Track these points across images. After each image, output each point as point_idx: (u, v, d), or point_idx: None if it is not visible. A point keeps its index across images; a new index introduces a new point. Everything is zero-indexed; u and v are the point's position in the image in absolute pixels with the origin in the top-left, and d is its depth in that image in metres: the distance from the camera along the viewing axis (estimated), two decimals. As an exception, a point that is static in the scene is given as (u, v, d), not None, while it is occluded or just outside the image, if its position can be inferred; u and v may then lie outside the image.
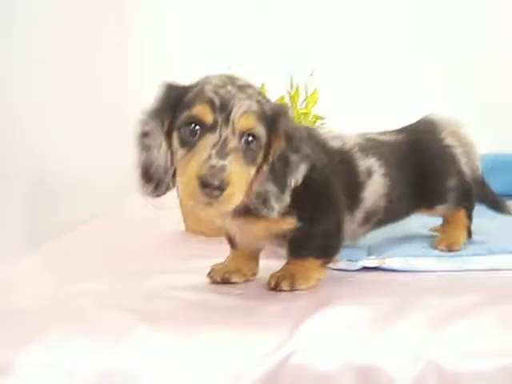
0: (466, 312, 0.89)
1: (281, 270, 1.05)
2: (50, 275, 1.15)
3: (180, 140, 0.91)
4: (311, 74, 1.55)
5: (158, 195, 0.95)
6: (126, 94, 2.00)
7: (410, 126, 1.26)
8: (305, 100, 1.54)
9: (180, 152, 0.91)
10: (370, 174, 1.11)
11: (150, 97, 0.96)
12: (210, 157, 0.86)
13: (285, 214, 0.97)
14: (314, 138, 1.07)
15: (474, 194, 1.26)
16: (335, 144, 1.09)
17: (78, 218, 1.58)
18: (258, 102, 0.93)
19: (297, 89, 1.53)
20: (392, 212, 1.17)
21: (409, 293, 1.00)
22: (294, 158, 0.95)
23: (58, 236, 1.44)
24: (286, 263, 1.06)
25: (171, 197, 1.05)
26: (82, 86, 1.75)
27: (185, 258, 1.24)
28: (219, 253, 1.13)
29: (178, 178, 0.94)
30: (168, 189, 0.95)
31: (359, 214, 1.11)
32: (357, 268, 1.14)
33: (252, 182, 0.93)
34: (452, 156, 1.23)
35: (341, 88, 1.98)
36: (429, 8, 2.09)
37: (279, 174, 0.94)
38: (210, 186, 0.84)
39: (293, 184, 0.95)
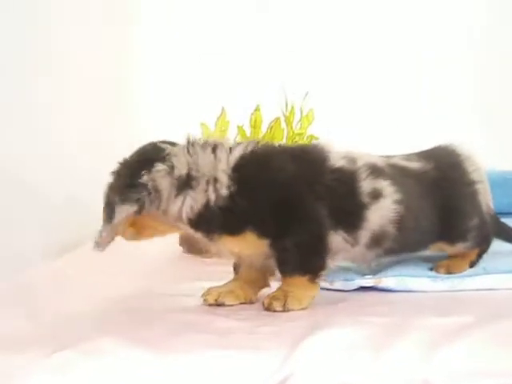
0: (461, 332, 0.89)
1: (276, 290, 1.06)
2: (45, 297, 1.16)
3: None
4: (306, 95, 1.56)
5: None
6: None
7: (434, 153, 1.23)
8: (300, 120, 1.55)
9: None
10: (376, 196, 1.09)
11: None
12: None
13: (243, 230, 1.01)
14: (309, 155, 1.09)
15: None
16: (337, 163, 1.08)
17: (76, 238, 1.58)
18: None
19: (292, 109, 1.54)
20: (405, 242, 1.14)
21: (404, 313, 1.00)
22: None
23: (54, 258, 1.44)
24: (281, 283, 1.06)
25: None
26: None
27: (182, 281, 1.25)
28: (215, 274, 1.14)
29: None
30: None
31: (363, 233, 1.09)
32: (353, 288, 1.15)
33: None
34: (477, 195, 1.22)
35: (336, 108, 1.99)
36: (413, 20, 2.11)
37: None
38: None
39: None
